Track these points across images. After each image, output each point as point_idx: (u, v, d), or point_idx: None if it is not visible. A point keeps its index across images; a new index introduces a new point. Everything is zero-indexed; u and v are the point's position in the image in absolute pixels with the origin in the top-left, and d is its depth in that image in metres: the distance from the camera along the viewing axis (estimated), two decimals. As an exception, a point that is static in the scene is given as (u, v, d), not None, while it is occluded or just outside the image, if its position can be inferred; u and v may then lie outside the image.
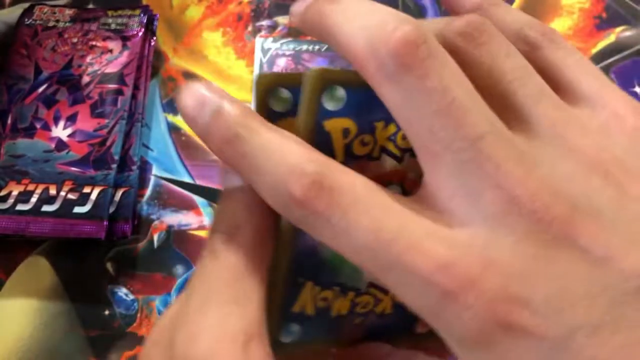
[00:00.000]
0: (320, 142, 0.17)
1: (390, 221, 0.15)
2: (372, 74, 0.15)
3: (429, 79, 0.15)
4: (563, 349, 0.13)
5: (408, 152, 0.18)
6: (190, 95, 0.18)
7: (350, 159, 0.17)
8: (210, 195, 0.44)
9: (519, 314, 0.14)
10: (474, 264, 0.14)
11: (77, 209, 0.41)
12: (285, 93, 0.17)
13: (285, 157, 0.15)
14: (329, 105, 0.17)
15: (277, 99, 0.17)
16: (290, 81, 0.17)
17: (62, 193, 0.41)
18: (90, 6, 0.50)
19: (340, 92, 0.17)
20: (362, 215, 0.15)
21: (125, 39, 0.46)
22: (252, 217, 0.17)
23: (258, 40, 0.49)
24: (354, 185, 0.15)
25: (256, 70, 0.48)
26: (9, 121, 0.44)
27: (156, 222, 0.44)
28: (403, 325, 0.21)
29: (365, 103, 0.17)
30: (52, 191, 0.41)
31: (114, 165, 0.42)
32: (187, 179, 0.45)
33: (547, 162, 0.15)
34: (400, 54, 0.15)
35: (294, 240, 0.18)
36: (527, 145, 0.15)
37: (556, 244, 0.14)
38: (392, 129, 0.18)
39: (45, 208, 0.41)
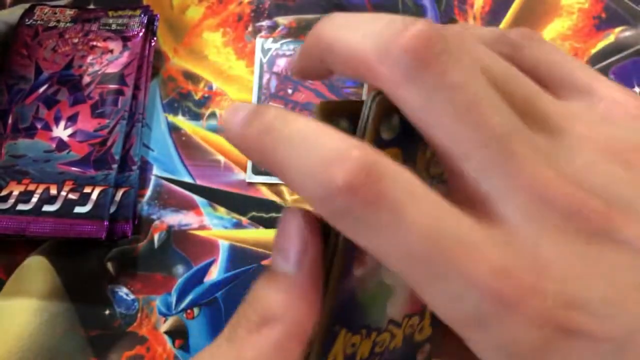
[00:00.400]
0: None
1: (447, 222, 0.13)
2: (386, 77, 0.14)
3: (448, 74, 0.13)
4: (626, 349, 0.13)
5: (436, 179, 0.17)
6: (227, 112, 0.16)
7: None
8: (210, 195, 0.44)
9: (578, 318, 0.13)
10: (528, 269, 0.13)
11: (78, 209, 0.41)
12: (344, 123, 0.16)
13: (326, 142, 0.13)
14: (385, 135, 0.15)
15: (338, 128, 0.16)
16: (350, 109, 0.16)
17: (63, 193, 0.41)
18: (91, 6, 0.50)
19: (396, 120, 0.15)
20: (418, 211, 0.13)
21: (125, 39, 0.47)
22: (290, 311, 0.16)
23: (258, 41, 0.49)
24: (407, 177, 0.13)
25: (256, 71, 0.48)
26: (10, 121, 0.44)
27: (156, 222, 0.44)
28: (407, 356, 0.20)
29: (412, 130, 0.15)
30: (53, 191, 0.41)
31: (115, 165, 0.42)
32: (187, 179, 0.45)
33: (569, 158, 0.15)
34: (415, 49, 0.13)
35: (338, 286, 0.16)
36: (546, 143, 0.15)
37: (598, 240, 0.14)
38: (427, 155, 0.17)
39: (46, 208, 0.41)
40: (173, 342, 0.41)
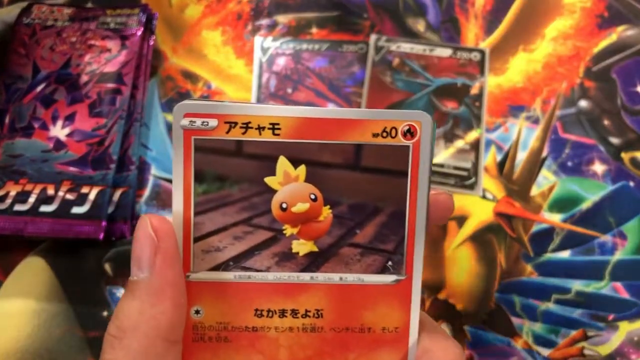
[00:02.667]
0: None
1: None
2: None
3: None
4: None
5: None
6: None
7: None
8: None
9: None
10: None
11: (75, 209, 0.41)
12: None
13: None
14: None
15: None
16: None
17: (60, 193, 0.41)
18: (89, 5, 0.50)
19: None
20: None
21: (124, 38, 0.46)
22: (146, 315, 0.17)
23: (257, 40, 0.48)
24: None
25: (256, 70, 0.48)
26: (7, 121, 0.44)
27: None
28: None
29: None
30: (50, 191, 0.41)
31: (113, 165, 0.42)
32: (186, 179, 0.45)
33: None
34: None
35: None
36: None
37: None
38: None
39: (43, 208, 0.41)
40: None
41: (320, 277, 0.20)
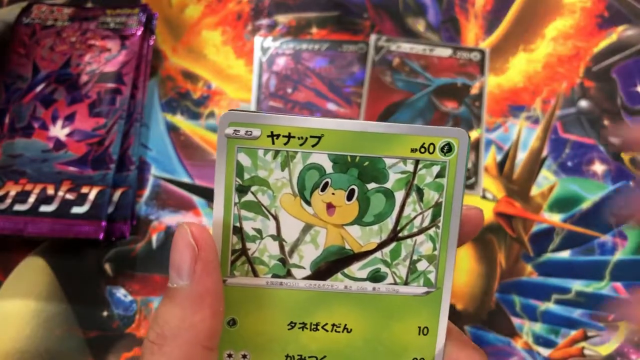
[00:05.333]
0: None
1: None
2: None
3: None
4: None
5: None
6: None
7: None
8: (209, 195, 0.44)
9: None
10: None
11: (75, 209, 0.41)
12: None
13: None
14: None
15: None
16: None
17: (60, 193, 0.41)
18: (89, 5, 0.50)
19: None
20: None
21: (124, 38, 0.46)
22: (187, 322, 0.18)
23: (257, 39, 0.48)
24: None
25: (256, 70, 0.47)
26: (7, 120, 0.44)
27: (155, 223, 0.43)
28: None
29: None
30: (50, 191, 0.41)
31: (113, 165, 0.42)
32: (186, 179, 0.45)
33: None
34: None
35: None
36: None
37: None
38: None
39: (43, 208, 0.41)
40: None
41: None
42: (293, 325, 0.21)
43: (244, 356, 0.21)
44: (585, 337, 0.41)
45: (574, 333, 0.41)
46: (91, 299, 0.41)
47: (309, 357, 0.21)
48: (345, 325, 0.21)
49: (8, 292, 0.41)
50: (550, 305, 0.42)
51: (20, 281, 0.42)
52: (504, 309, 0.42)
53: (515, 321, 0.41)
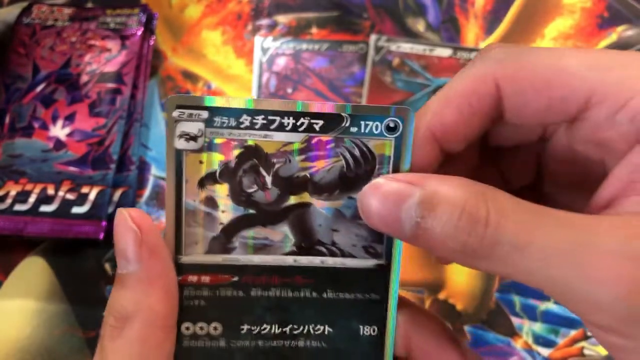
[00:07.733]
0: None
1: None
2: None
3: None
4: None
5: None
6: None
7: None
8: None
9: None
10: None
11: (76, 209, 0.41)
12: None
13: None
14: None
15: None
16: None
17: (61, 193, 0.41)
18: (89, 5, 0.50)
19: None
20: None
21: (124, 38, 0.46)
22: (141, 304, 0.18)
23: (257, 40, 0.48)
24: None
25: (256, 70, 0.47)
26: (7, 120, 0.44)
27: (155, 223, 0.43)
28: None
29: None
30: (50, 191, 0.41)
31: (113, 165, 0.42)
32: (186, 179, 0.45)
33: None
34: None
35: None
36: None
37: None
38: None
39: (43, 208, 0.41)
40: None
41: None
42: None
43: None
44: (585, 337, 0.41)
45: (573, 333, 0.41)
46: (91, 299, 0.41)
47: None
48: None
49: (8, 292, 0.41)
50: (550, 305, 0.42)
51: (20, 281, 0.42)
52: (503, 308, 0.42)
53: (515, 321, 0.41)
